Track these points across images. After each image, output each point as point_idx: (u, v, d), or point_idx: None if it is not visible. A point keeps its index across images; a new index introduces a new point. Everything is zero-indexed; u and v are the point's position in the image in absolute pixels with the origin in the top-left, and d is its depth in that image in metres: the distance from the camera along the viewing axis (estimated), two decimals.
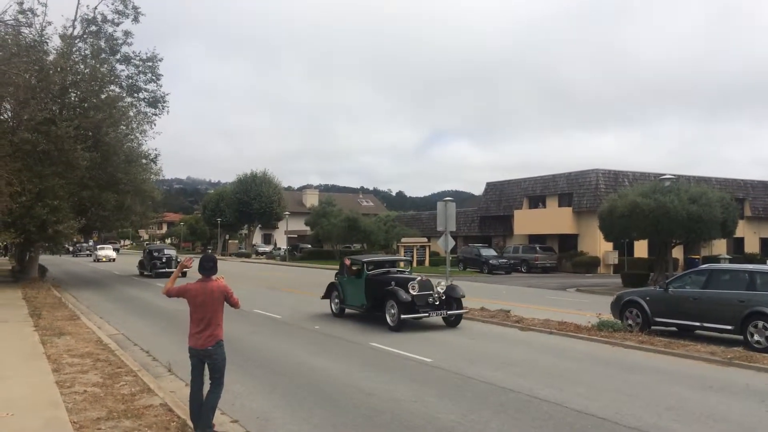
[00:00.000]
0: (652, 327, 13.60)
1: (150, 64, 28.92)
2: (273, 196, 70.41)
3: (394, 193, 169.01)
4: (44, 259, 39.02)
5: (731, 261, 28.94)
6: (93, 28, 27.73)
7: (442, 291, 14.61)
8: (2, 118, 24.86)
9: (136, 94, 29.44)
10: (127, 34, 28.25)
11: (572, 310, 18.52)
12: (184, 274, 7.12)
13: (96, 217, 32.53)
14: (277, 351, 11.77)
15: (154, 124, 31.15)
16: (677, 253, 34.68)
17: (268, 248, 74.93)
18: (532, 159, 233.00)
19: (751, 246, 45.26)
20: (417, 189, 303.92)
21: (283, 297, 22.95)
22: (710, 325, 12.61)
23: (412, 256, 43.16)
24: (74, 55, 26.67)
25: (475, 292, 22.36)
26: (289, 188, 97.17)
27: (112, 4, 27.45)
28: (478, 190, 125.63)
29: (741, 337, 11.99)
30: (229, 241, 78.94)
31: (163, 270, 32.48)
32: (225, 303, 6.45)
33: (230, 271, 33.25)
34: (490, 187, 50.25)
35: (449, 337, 13.51)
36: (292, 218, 64.73)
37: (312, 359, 10.82)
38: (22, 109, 22.49)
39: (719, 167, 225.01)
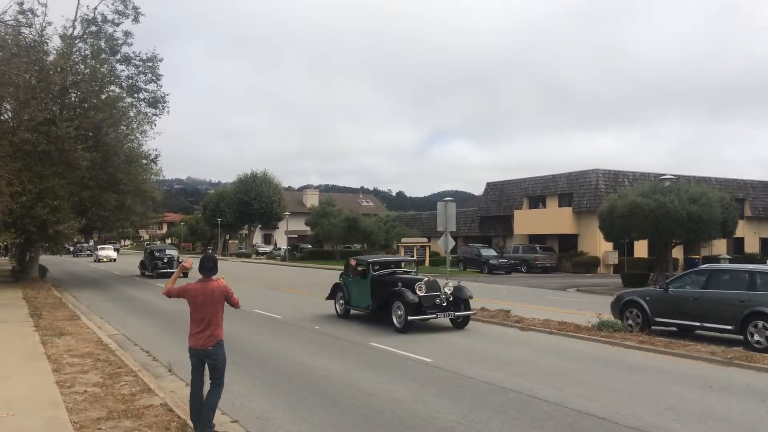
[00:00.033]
0: (652, 327, 13.60)
1: (150, 64, 28.93)
2: (273, 196, 70.42)
3: (394, 193, 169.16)
4: (44, 259, 39.04)
5: (731, 261, 28.94)
6: (93, 28, 27.74)
7: (449, 292, 14.35)
8: (2, 118, 24.89)
9: (136, 95, 29.45)
10: (127, 34, 28.28)
11: (572, 310, 18.52)
12: (186, 275, 7.12)
13: (96, 217, 32.55)
14: (277, 351, 11.77)
15: (155, 125, 31.17)
16: (677, 253, 34.68)
17: (268, 248, 74.94)
18: (532, 159, 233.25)
19: (751, 246, 45.26)
20: (417, 189, 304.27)
21: (283, 297, 22.96)
22: (710, 325, 12.61)
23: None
24: (74, 56, 26.68)
25: (476, 292, 22.17)
26: (289, 188, 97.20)
27: (112, 4, 27.49)
28: (478, 190, 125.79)
29: (741, 337, 11.99)
30: (230, 242, 78.95)
31: (165, 270, 32.40)
32: (225, 303, 6.46)
33: (230, 272, 33.26)
34: (490, 187, 50.25)
35: (449, 337, 13.51)
36: (292, 218, 64.73)
37: (312, 359, 10.82)
38: (23, 109, 22.51)
39: (719, 167, 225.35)
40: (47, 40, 25.42)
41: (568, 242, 42.83)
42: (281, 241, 75.21)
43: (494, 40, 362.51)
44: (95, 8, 28.90)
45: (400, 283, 14.44)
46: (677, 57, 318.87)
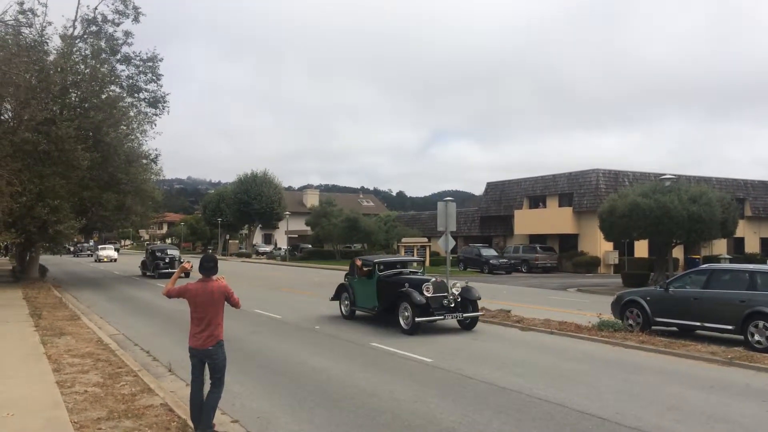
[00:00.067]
0: (653, 327, 13.59)
1: (150, 64, 28.96)
2: (273, 196, 70.42)
3: (394, 193, 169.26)
4: (45, 259, 39.06)
5: (731, 261, 28.94)
6: (93, 28, 27.78)
7: (457, 293, 14.17)
8: (3, 118, 24.88)
9: (136, 95, 29.48)
10: (127, 34, 28.32)
11: (573, 310, 18.52)
12: (187, 275, 7.12)
13: (96, 217, 32.59)
14: (277, 351, 11.77)
15: (155, 125, 31.23)
16: (677, 253, 34.69)
17: (268, 248, 74.92)
18: (532, 159, 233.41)
19: (752, 246, 45.26)
20: (417, 189, 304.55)
21: (283, 297, 22.96)
22: (711, 325, 12.60)
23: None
24: (74, 56, 26.67)
25: None
26: (289, 188, 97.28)
27: (113, 4, 27.54)
28: (478, 190, 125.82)
29: (741, 337, 11.98)
30: (230, 241, 78.97)
31: (166, 270, 32.38)
32: (225, 303, 6.45)
33: (231, 271, 33.27)
34: (491, 187, 50.25)
35: (450, 337, 13.49)
36: (292, 218, 64.73)
37: (312, 359, 10.82)
38: (23, 109, 22.49)
39: (719, 167, 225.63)
40: (47, 40, 25.47)
41: (568, 242, 42.82)
42: (281, 241, 75.22)
43: (494, 40, 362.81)
44: (95, 8, 28.99)
45: (407, 284, 14.21)
46: (677, 57, 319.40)
